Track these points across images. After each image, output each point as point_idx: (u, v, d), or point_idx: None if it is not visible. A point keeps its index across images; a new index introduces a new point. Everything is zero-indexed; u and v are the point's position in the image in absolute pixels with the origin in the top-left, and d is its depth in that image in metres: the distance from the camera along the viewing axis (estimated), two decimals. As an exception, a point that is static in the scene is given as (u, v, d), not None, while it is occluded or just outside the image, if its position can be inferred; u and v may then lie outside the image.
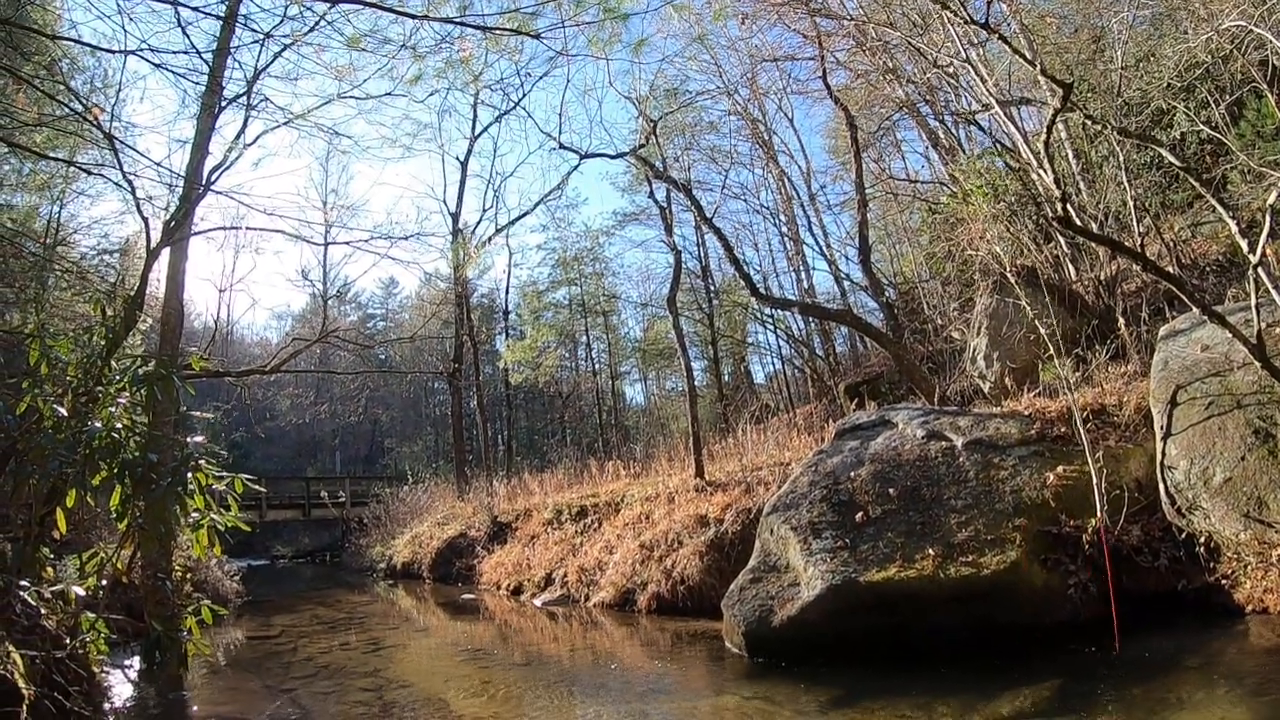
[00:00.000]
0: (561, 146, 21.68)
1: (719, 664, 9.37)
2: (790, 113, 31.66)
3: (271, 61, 11.16)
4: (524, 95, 33.25)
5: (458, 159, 34.65)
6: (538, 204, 34.73)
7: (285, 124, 11.60)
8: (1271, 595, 7.50)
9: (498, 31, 10.37)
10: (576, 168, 26.09)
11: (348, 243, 31.60)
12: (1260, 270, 8.07)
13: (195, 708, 9.31)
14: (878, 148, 27.73)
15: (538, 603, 15.61)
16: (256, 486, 6.70)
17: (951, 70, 18.09)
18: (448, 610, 17.19)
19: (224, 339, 54.09)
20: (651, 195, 24.16)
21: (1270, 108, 9.39)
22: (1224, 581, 7.99)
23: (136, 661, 9.68)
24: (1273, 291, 8.22)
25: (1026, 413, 11.10)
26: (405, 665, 11.26)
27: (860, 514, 9.56)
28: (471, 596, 18.26)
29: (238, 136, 11.40)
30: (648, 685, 8.96)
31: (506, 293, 43.84)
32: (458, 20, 8.64)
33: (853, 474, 10.34)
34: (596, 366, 44.43)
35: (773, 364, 37.45)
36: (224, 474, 6.52)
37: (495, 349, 47.16)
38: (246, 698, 9.62)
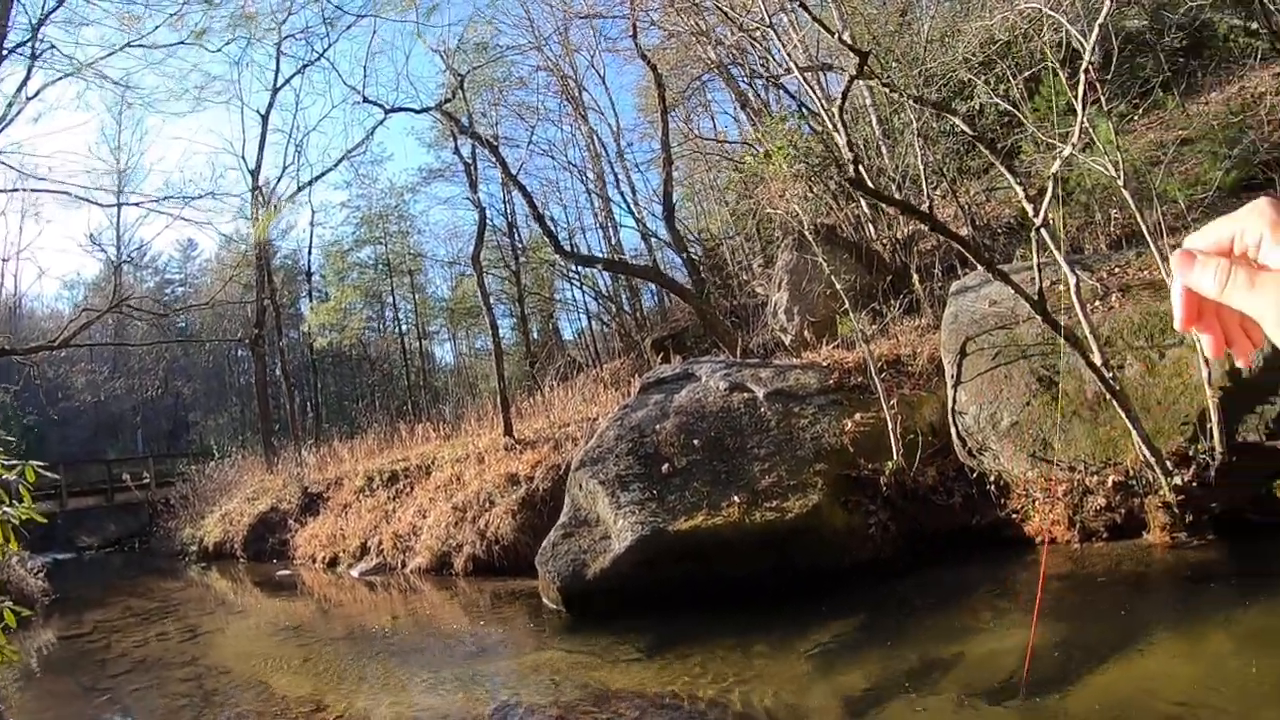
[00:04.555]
0: (366, 100, 21.10)
1: (539, 621, 9.39)
2: (602, 70, 31.57)
3: (57, 6, 10.50)
4: (329, 46, 32.04)
5: (258, 112, 32.93)
6: (341, 160, 33.64)
7: (71, 74, 10.93)
8: (1059, 526, 8.06)
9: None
10: (382, 122, 25.26)
11: (138, 204, 29.59)
12: (1043, 232, 8.50)
13: (9, 720, 8.72)
14: (686, 107, 27.72)
15: (355, 573, 15.16)
16: (51, 474, 6.18)
17: (759, 34, 18.41)
18: (264, 589, 16.51)
19: (11, 313, 50.51)
20: (457, 151, 23.53)
21: (1063, 85, 9.89)
22: (1015, 516, 8.54)
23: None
24: (1055, 252, 8.67)
25: (825, 364, 11.48)
26: (224, 650, 10.77)
27: (666, 465, 9.66)
28: (288, 572, 17.58)
29: (19, 89, 10.67)
30: (471, 647, 8.90)
31: (309, 253, 41.74)
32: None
33: (658, 427, 10.41)
34: (404, 327, 42.51)
35: (581, 320, 37.17)
36: (13, 462, 6.04)
37: (300, 312, 45.27)
38: (64, 702, 8.98)
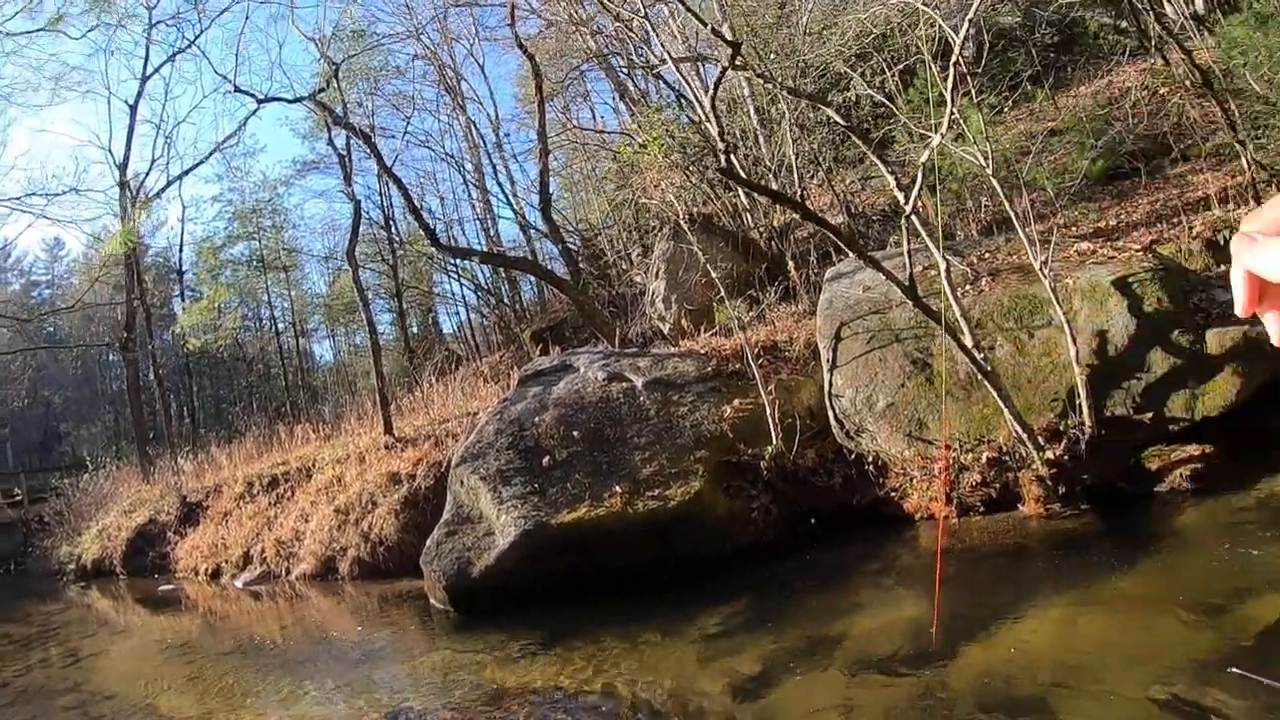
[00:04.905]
0: (238, 90, 20.51)
1: (427, 622, 9.29)
2: (481, 59, 31.16)
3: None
4: (201, 33, 30.80)
5: (126, 102, 30.60)
6: (212, 152, 32.62)
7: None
8: (936, 503, 8.23)
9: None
10: (255, 113, 24.48)
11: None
12: (914, 219, 8.69)
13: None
14: (565, 97, 27.58)
15: (239, 584, 14.60)
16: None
17: (634, 25, 18.44)
18: (147, 606, 15.75)
19: None
20: (330, 143, 22.84)
21: (935, 77, 10.18)
22: (893, 494, 8.76)
23: None
24: (926, 239, 8.87)
25: (703, 351, 11.56)
26: (109, 674, 10.32)
27: (547, 458, 9.58)
28: (170, 587, 16.79)
29: None
30: (361, 653, 8.73)
31: (181, 251, 39.53)
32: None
33: (537, 419, 10.31)
34: (280, 325, 41.69)
35: (461, 314, 36.38)
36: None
37: (173, 313, 43.40)
38: (-61, 742, 8.47)
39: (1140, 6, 14.62)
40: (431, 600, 9.54)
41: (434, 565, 9.15)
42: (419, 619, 9.56)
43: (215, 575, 16.06)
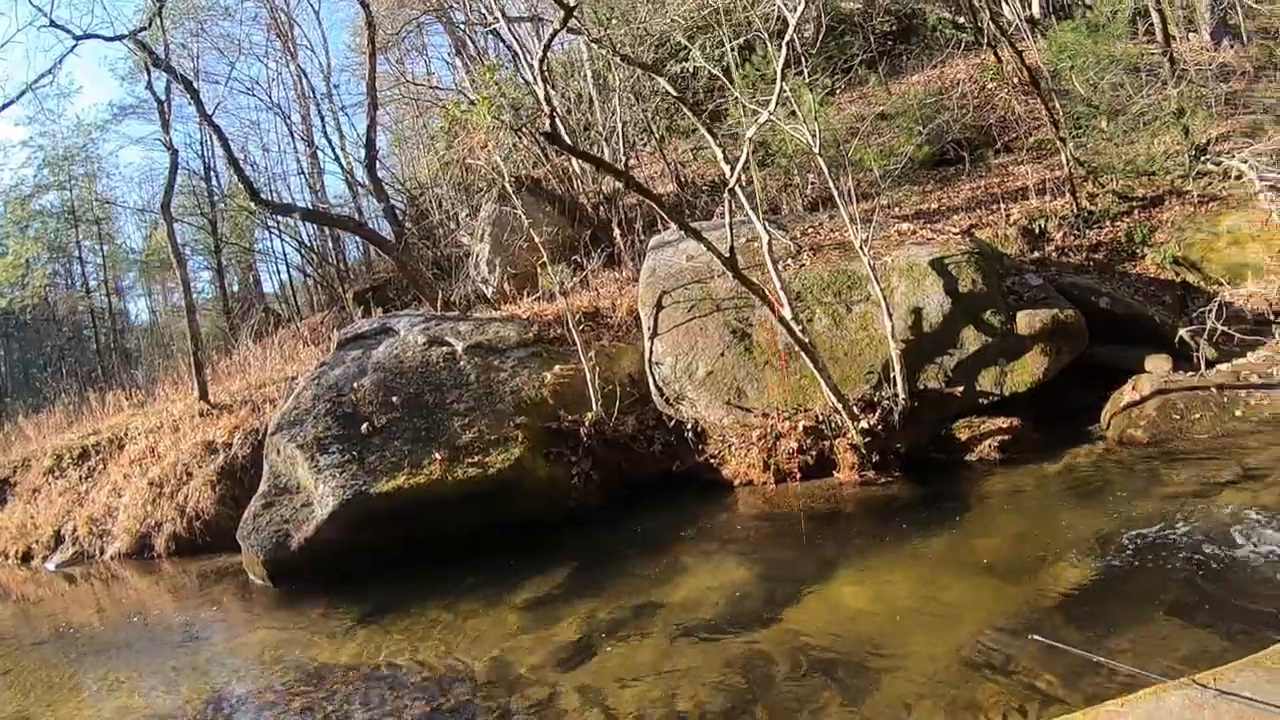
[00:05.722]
0: (53, 24, 19.32)
1: (248, 599, 8.97)
2: (316, 4, 29.84)
3: None
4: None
5: None
6: (24, 91, 30.08)
7: None
8: (754, 469, 8.51)
9: None
10: (72, 50, 22.73)
11: None
12: (739, 191, 8.82)
13: None
14: (400, 49, 26.13)
15: (50, 566, 13.64)
16: None
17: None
18: None
19: None
20: (149, 86, 21.80)
21: (771, 54, 10.36)
22: (713, 460, 8.93)
23: None
24: (751, 212, 9.02)
25: (525, 316, 11.54)
26: None
27: (366, 425, 9.32)
28: None
29: None
30: (181, 635, 8.39)
31: None
32: None
33: (356, 384, 10.00)
34: (92, 283, 38.98)
35: (284, 273, 34.66)
36: None
37: None
38: None
39: (979, 5, 15.20)
40: (251, 576, 9.26)
41: (252, 539, 8.88)
42: (240, 596, 9.21)
43: (26, 558, 15.10)
